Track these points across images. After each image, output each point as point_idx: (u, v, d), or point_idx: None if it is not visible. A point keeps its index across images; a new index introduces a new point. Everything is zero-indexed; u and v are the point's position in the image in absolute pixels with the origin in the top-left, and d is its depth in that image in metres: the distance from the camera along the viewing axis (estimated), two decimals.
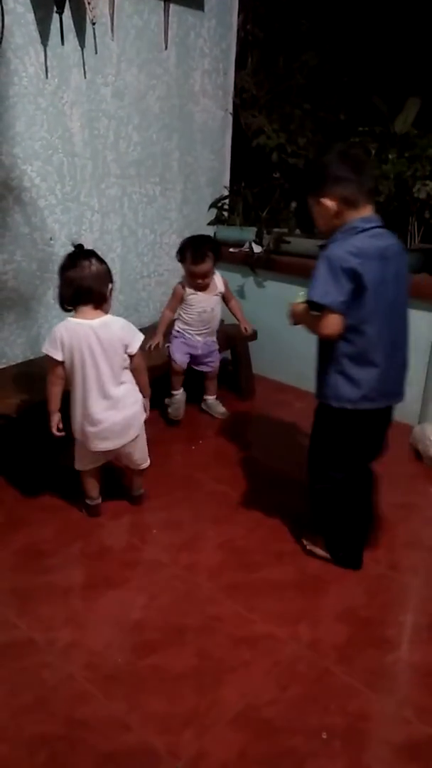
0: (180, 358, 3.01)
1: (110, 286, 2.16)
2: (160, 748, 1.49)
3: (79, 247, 2.15)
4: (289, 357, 3.54)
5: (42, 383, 2.38)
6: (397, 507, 2.50)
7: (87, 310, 2.10)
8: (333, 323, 1.81)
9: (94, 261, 2.10)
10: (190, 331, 3.02)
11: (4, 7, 2.40)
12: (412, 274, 3.03)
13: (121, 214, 3.19)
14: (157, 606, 1.95)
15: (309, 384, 3.46)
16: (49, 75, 2.66)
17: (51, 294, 2.95)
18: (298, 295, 2.00)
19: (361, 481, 2.10)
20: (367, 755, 1.51)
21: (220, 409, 3.27)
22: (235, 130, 3.68)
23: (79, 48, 2.75)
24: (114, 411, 2.19)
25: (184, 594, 2.01)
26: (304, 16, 3.59)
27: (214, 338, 3.13)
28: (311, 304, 1.84)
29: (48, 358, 2.13)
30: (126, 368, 2.21)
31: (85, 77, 2.81)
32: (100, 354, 2.11)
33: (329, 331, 1.83)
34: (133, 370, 2.24)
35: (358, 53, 3.50)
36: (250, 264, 3.52)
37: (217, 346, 3.15)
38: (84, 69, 2.79)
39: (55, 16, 2.59)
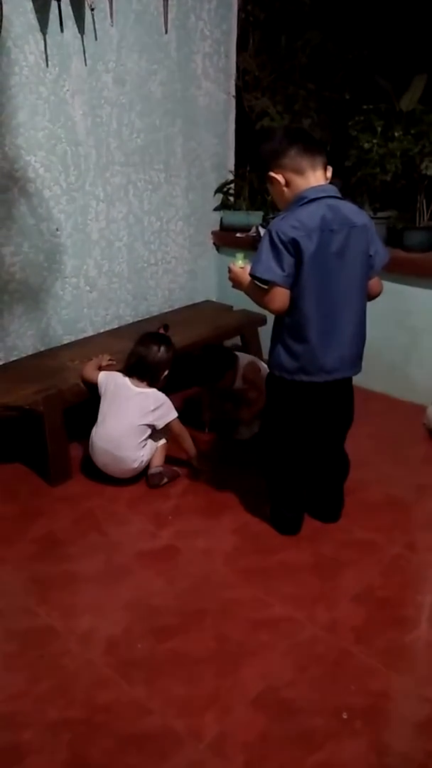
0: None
1: (166, 372, 2.54)
2: (182, 730, 1.51)
3: (165, 328, 2.67)
4: None
5: (53, 375, 2.56)
6: (412, 488, 2.49)
7: (137, 381, 2.47)
8: (277, 297, 1.83)
9: (162, 349, 2.51)
10: None
11: None
12: (420, 252, 3.01)
13: (126, 202, 3.17)
14: (175, 591, 1.96)
15: None
16: (49, 63, 2.65)
17: (59, 285, 2.95)
18: (236, 257, 2.02)
19: (327, 459, 2.18)
20: (387, 734, 1.51)
21: (241, 429, 2.93)
22: (238, 113, 3.64)
23: (78, 35, 2.73)
24: (110, 456, 2.43)
25: (201, 579, 2.02)
26: None
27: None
28: (255, 278, 1.86)
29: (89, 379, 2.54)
30: (146, 438, 2.46)
31: (85, 64, 2.79)
32: (123, 413, 2.42)
33: (275, 306, 1.85)
34: (174, 436, 2.53)
35: (361, 30, 3.44)
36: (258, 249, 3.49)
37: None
38: (84, 56, 2.77)
39: (54, 3, 2.57)
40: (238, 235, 3.58)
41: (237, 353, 2.90)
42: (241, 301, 3.22)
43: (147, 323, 3.19)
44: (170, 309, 3.52)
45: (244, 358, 2.89)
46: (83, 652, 1.74)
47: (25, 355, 2.87)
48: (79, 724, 1.52)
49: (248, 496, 2.43)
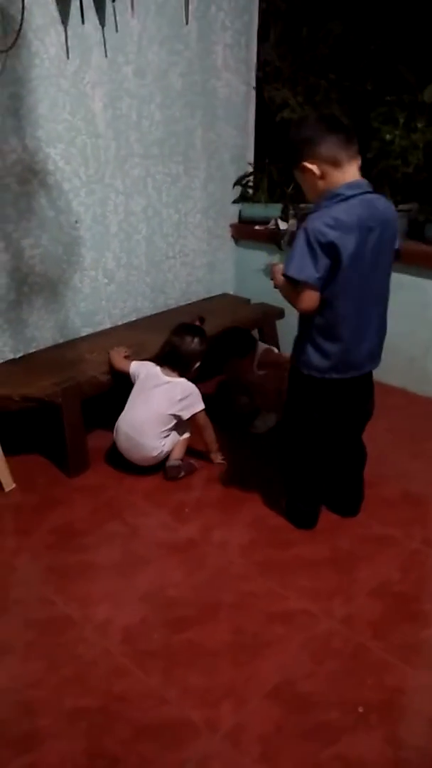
0: None
1: (198, 363, 2.56)
2: (198, 720, 1.52)
3: (201, 321, 2.69)
4: None
5: (72, 367, 2.58)
6: (430, 483, 2.47)
7: (169, 370, 2.50)
8: (308, 299, 1.79)
9: (196, 340, 2.52)
10: None
11: None
12: None
13: (145, 195, 3.17)
14: (191, 583, 1.97)
15: None
16: (70, 55, 2.64)
17: (77, 278, 2.96)
18: (276, 256, 1.97)
19: (347, 451, 2.17)
20: (403, 729, 1.51)
21: (257, 422, 2.93)
22: (258, 105, 3.62)
23: (99, 26, 2.72)
24: (132, 441, 2.46)
25: (217, 571, 2.02)
26: None
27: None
28: (287, 278, 1.81)
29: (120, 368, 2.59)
30: (170, 429, 2.48)
31: (106, 56, 2.78)
32: (150, 400, 2.45)
33: (304, 306, 1.81)
34: (198, 428, 2.54)
35: (384, 20, 3.40)
36: (276, 241, 3.47)
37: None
38: (105, 48, 2.77)
39: None
40: (256, 227, 3.56)
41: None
42: (259, 295, 3.22)
43: (165, 316, 3.20)
44: (187, 302, 3.52)
45: (260, 345, 2.90)
46: (100, 641, 1.75)
47: (44, 347, 2.88)
48: (95, 713, 1.54)
49: (265, 489, 2.43)
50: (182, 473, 2.50)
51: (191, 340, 2.51)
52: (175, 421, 2.48)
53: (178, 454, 2.53)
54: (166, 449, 2.49)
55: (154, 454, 2.46)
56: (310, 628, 1.79)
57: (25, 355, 2.81)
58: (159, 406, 2.44)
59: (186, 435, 2.55)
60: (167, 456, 2.51)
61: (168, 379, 2.48)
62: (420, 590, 1.94)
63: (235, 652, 1.71)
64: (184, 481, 2.50)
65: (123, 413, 2.51)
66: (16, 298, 2.73)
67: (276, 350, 2.93)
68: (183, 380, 2.50)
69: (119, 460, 2.56)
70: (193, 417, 2.50)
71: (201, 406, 2.50)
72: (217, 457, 2.60)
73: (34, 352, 2.84)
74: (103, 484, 2.48)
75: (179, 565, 2.06)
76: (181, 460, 2.53)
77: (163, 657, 1.70)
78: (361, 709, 1.55)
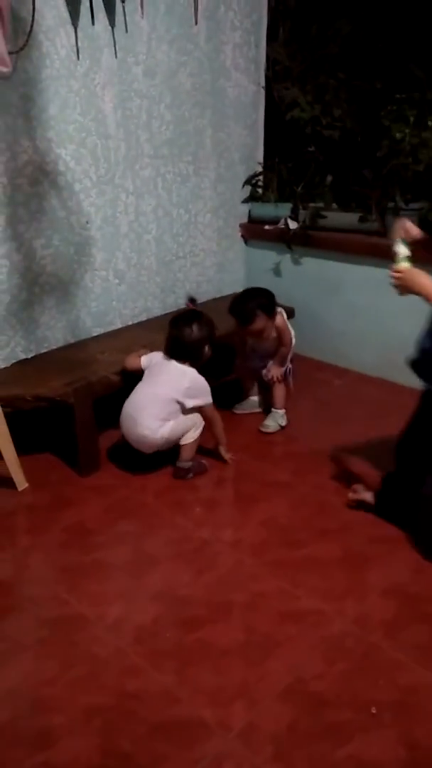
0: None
1: (206, 348, 2.51)
2: (210, 720, 1.52)
3: (191, 301, 2.63)
4: (326, 335, 3.50)
5: (83, 367, 2.60)
6: None
7: (179, 362, 2.48)
8: None
9: (195, 327, 2.45)
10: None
11: None
12: None
13: (155, 195, 3.18)
14: (203, 582, 1.97)
15: (347, 361, 3.48)
16: (80, 56, 2.66)
17: (89, 278, 2.97)
18: (398, 255, 1.77)
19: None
20: (417, 729, 1.50)
21: (267, 422, 2.92)
22: (268, 104, 3.62)
23: (109, 27, 2.73)
24: (132, 420, 2.46)
25: (229, 571, 2.03)
26: None
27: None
28: None
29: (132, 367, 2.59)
30: (172, 415, 2.44)
31: (116, 57, 2.79)
32: (155, 383, 2.45)
33: None
34: (207, 422, 2.53)
35: (393, 18, 3.38)
36: (286, 241, 3.48)
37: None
38: (115, 48, 2.78)
39: None
40: (266, 227, 3.57)
41: None
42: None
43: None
44: (198, 302, 3.52)
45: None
46: (113, 640, 1.76)
47: (55, 347, 2.90)
48: (109, 711, 1.55)
49: (275, 489, 2.43)
50: (191, 474, 2.51)
51: (190, 330, 2.46)
52: (177, 408, 2.44)
53: (188, 455, 2.52)
54: (163, 434, 2.43)
55: (146, 433, 2.42)
56: (322, 628, 1.79)
57: (37, 355, 2.82)
58: (163, 388, 2.43)
59: (196, 436, 2.52)
60: (166, 445, 2.47)
61: (178, 365, 2.47)
62: (431, 590, 1.93)
63: (247, 652, 1.71)
64: (195, 481, 2.51)
65: (130, 395, 2.51)
66: (28, 298, 2.75)
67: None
68: (193, 371, 2.47)
69: (130, 461, 2.57)
70: (201, 411, 2.48)
71: (208, 400, 2.48)
72: (226, 454, 2.59)
73: (46, 352, 2.85)
74: (115, 484, 2.49)
75: (191, 564, 2.06)
76: (191, 461, 2.53)
77: (175, 656, 1.71)
78: (374, 710, 1.54)
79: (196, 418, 2.50)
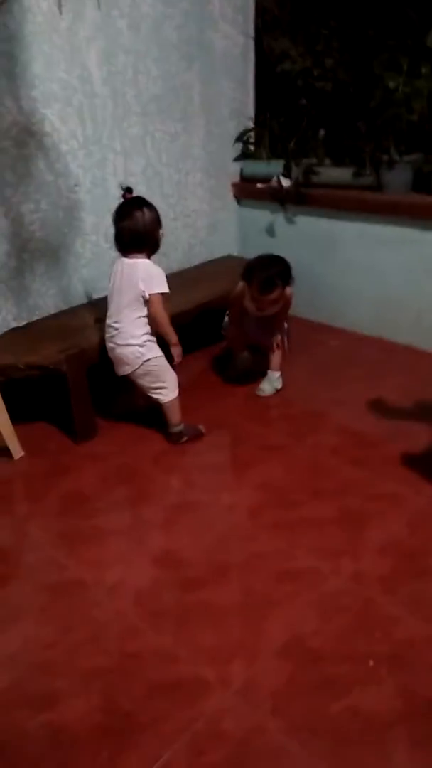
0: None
1: (160, 231, 2.38)
2: (210, 677, 1.54)
3: (127, 191, 2.36)
4: (321, 294, 3.46)
5: (76, 334, 2.54)
6: None
7: (136, 254, 2.33)
8: None
9: (145, 210, 2.30)
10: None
11: None
12: None
13: (144, 155, 3.10)
14: (201, 545, 1.99)
15: (343, 321, 3.45)
16: (63, 10, 2.56)
17: (79, 243, 2.92)
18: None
19: None
20: (414, 680, 1.53)
21: (263, 386, 2.90)
22: (257, 57, 3.50)
23: None
24: (112, 344, 2.40)
25: (226, 533, 2.04)
26: None
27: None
28: None
29: None
30: (145, 314, 2.35)
31: (99, 10, 2.69)
32: (121, 285, 2.34)
33: None
34: (150, 318, 2.36)
35: None
36: (280, 199, 3.41)
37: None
38: (98, 1, 2.67)
39: None
40: (259, 185, 3.49)
41: None
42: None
43: (168, 280, 3.15)
44: (190, 265, 3.47)
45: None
46: (112, 603, 1.78)
47: (47, 315, 2.87)
48: (109, 672, 1.57)
49: (271, 451, 2.43)
50: (185, 438, 2.50)
51: (141, 213, 2.30)
52: (145, 306, 2.34)
53: (175, 419, 2.48)
54: (142, 344, 2.36)
55: (132, 341, 2.35)
56: (319, 586, 1.80)
57: (29, 323, 2.79)
58: (128, 287, 2.32)
59: (173, 395, 2.46)
60: (147, 363, 2.39)
61: (128, 261, 2.33)
62: (428, 546, 1.94)
63: (245, 611, 1.73)
64: (191, 446, 2.51)
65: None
66: (18, 265, 2.71)
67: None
68: (144, 260, 2.34)
69: (127, 428, 2.56)
70: (150, 301, 2.32)
71: (160, 288, 2.32)
72: (176, 349, 2.46)
73: (38, 320, 2.82)
74: (111, 451, 2.49)
75: (189, 528, 2.07)
76: (183, 424, 2.51)
77: (174, 617, 1.73)
78: (371, 662, 1.57)
79: (172, 377, 2.46)
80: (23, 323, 2.78)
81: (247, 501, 2.18)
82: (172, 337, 2.42)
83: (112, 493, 2.26)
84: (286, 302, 2.73)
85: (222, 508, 2.16)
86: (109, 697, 1.51)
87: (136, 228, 2.29)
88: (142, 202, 2.33)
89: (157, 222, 2.35)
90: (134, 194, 2.36)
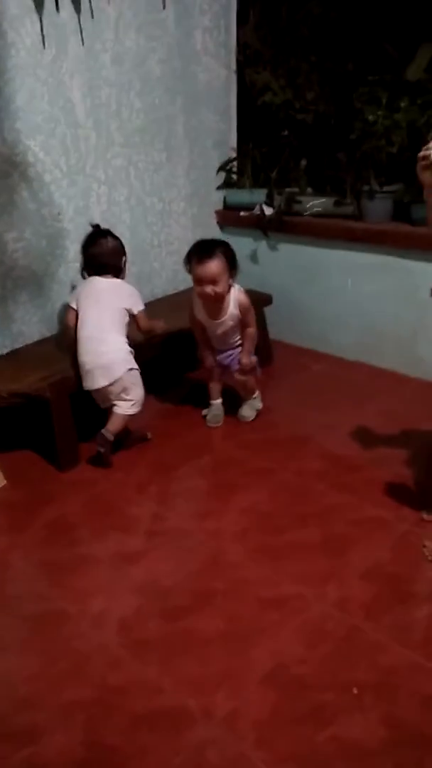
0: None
1: (124, 258, 2.64)
2: (194, 708, 1.53)
3: (96, 227, 2.65)
4: (304, 320, 3.50)
5: (59, 362, 2.58)
6: (422, 465, 2.48)
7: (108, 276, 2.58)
8: None
9: (110, 239, 2.60)
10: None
11: None
12: (427, 226, 2.96)
13: (128, 185, 3.14)
14: (185, 572, 1.98)
15: (326, 346, 3.48)
16: (46, 45, 2.61)
17: (63, 270, 2.94)
18: None
19: None
20: (398, 708, 1.52)
21: (244, 412, 2.88)
22: (239, 89, 3.58)
23: (75, 14, 2.68)
24: (96, 353, 2.47)
25: (210, 559, 2.03)
26: None
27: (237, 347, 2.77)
28: None
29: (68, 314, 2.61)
30: (126, 325, 2.56)
31: (83, 44, 2.74)
32: (99, 305, 2.52)
33: None
34: (143, 331, 2.64)
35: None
36: (262, 227, 3.46)
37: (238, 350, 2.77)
38: (81, 36, 2.73)
39: None
40: (242, 213, 3.54)
41: None
42: (247, 281, 3.20)
43: (152, 306, 3.17)
44: (175, 291, 3.50)
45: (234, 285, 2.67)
46: (96, 634, 1.76)
47: (30, 342, 2.87)
48: (93, 705, 1.55)
49: (256, 476, 2.44)
50: (103, 449, 2.47)
51: (106, 240, 2.59)
52: (128, 319, 2.56)
53: (115, 427, 2.49)
54: (125, 349, 2.52)
55: (121, 347, 2.50)
56: (304, 613, 1.80)
57: (12, 351, 2.79)
58: (111, 301, 2.52)
59: (132, 411, 2.53)
60: (130, 373, 2.50)
61: (106, 280, 2.56)
62: (412, 571, 1.94)
63: (230, 640, 1.72)
64: (174, 473, 2.51)
65: (80, 331, 2.51)
66: (1, 293, 2.72)
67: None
68: (122, 281, 2.62)
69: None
70: (138, 317, 2.59)
71: (141, 305, 2.62)
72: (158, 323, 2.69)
73: (21, 348, 2.82)
74: (94, 478, 2.48)
75: (172, 554, 2.06)
76: (116, 436, 2.51)
77: (158, 647, 1.71)
78: (355, 690, 1.56)
79: (143, 393, 2.57)
80: (6, 351, 2.78)
81: (231, 527, 2.18)
82: (158, 325, 2.69)
83: (96, 521, 2.25)
84: (245, 311, 2.64)
85: (206, 534, 2.16)
86: (91, 731, 1.49)
87: (103, 252, 2.57)
88: (105, 231, 2.63)
89: (122, 248, 2.64)
90: (110, 225, 2.70)
